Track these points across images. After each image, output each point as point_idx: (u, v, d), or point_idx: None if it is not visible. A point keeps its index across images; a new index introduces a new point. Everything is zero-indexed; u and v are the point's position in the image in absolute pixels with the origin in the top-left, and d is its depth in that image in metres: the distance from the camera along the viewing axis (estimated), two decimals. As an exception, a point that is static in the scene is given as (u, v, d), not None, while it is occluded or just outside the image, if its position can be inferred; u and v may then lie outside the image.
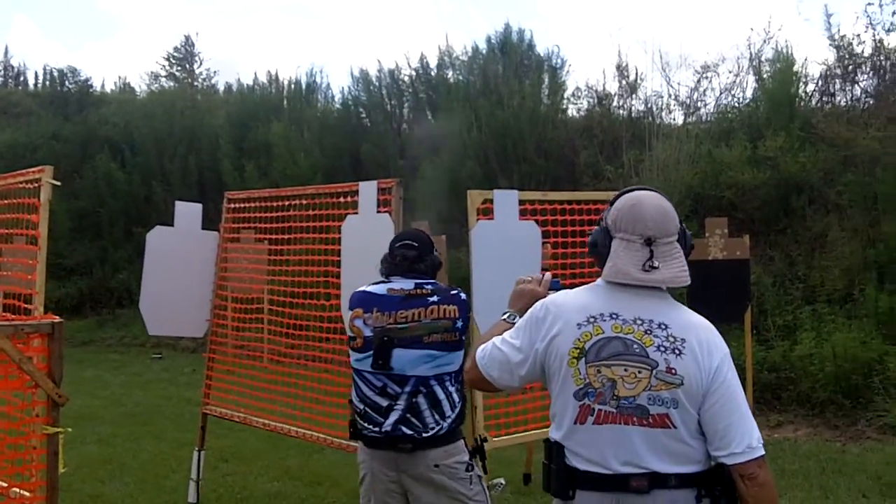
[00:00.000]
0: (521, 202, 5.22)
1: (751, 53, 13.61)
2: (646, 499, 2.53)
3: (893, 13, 11.69)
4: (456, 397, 3.85)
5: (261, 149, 17.00)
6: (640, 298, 2.63)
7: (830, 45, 12.47)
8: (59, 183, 4.76)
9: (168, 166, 18.09)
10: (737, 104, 13.77)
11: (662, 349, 2.55)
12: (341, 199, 5.38)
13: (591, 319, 2.62)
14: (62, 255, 17.71)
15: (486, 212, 5.09)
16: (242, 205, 6.42)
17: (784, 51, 13.07)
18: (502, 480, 6.55)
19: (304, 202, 5.91)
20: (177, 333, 7.25)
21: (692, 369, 2.53)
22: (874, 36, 11.78)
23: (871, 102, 12.09)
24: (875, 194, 10.55)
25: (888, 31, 11.64)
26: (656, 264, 2.59)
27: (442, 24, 47.02)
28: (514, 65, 15.54)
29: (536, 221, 5.28)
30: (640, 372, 2.54)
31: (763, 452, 2.55)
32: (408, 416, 3.78)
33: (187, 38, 32.97)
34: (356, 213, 5.15)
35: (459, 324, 3.85)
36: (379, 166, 15.16)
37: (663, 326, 2.59)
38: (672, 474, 2.53)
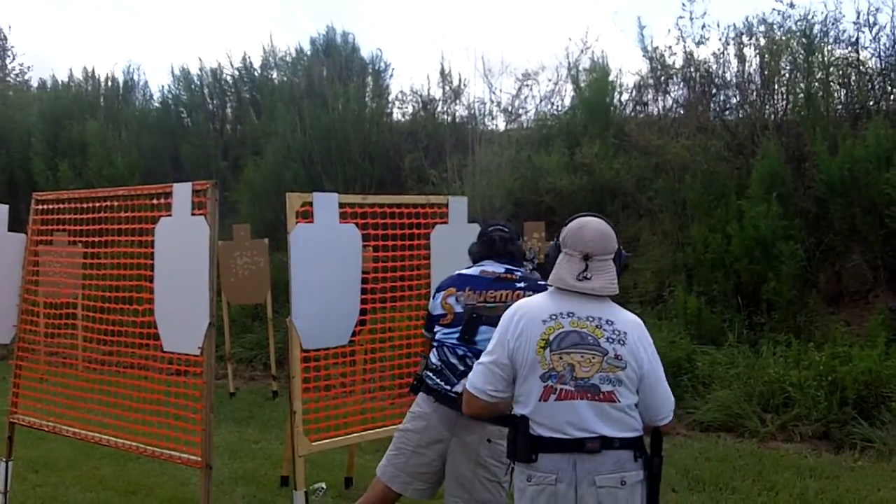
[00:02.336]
0: (342, 205, 5.22)
1: (569, 63, 13.92)
2: (597, 458, 3.19)
3: (703, 26, 12.23)
4: None
5: (76, 148, 16.36)
6: (589, 301, 3.30)
7: (644, 56, 12.83)
8: None
9: (-25, 165, 17.21)
10: (556, 112, 14.05)
11: (611, 340, 3.24)
12: (155, 201, 5.21)
13: (553, 317, 3.28)
14: None
15: (307, 215, 5.07)
16: (52, 206, 6.14)
17: (600, 61, 13.40)
18: (323, 485, 6.54)
19: (118, 204, 5.73)
20: (-21, 340, 6.92)
21: (632, 356, 3.25)
22: (685, 48, 12.19)
23: (681, 112, 12.52)
24: (684, 200, 10.98)
25: (698, 43, 12.09)
26: (589, 276, 3.27)
27: (266, 23, 46.28)
28: (338, 67, 15.47)
29: (357, 225, 5.30)
30: (593, 358, 3.22)
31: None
32: None
33: (-1, 31, 31.56)
34: (170, 216, 5.02)
35: None
36: (200, 167, 14.83)
37: (610, 322, 3.28)
38: (616, 437, 3.21)
